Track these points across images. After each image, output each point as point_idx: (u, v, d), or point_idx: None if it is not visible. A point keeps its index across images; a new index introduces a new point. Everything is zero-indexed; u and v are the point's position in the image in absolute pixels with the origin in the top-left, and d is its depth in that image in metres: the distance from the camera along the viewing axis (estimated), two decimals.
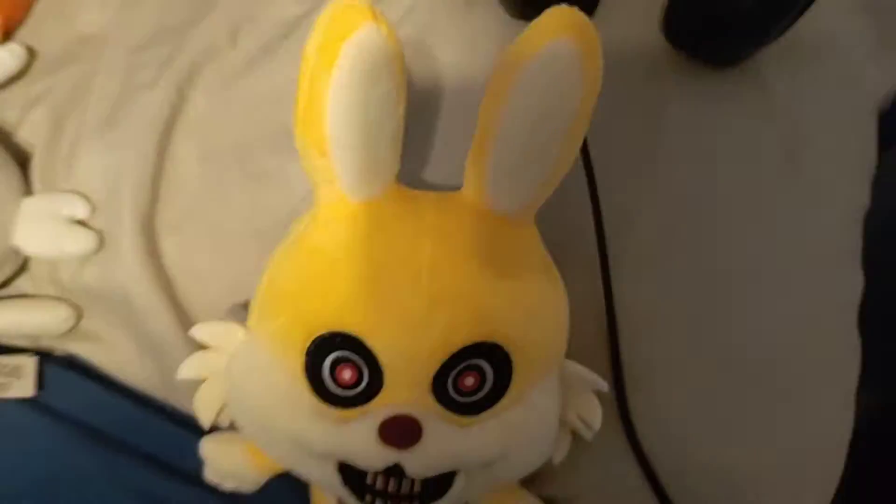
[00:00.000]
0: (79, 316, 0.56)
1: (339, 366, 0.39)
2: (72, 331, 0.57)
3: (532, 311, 0.42)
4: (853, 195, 0.57)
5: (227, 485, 0.51)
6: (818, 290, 0.53)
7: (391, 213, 0.41)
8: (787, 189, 0.54)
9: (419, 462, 0.39)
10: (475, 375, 0.40)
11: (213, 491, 0.52)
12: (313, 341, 0.39)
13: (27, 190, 0.56)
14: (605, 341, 0.49)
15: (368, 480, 0.40)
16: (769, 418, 0.51)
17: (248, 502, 0.52)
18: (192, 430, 0.51)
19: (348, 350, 0.39)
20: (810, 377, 0.52)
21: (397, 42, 0.36)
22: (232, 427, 0.49)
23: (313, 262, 0.41)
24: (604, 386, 0.45)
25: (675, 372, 0.50)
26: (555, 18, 0.37)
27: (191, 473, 0.52)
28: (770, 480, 0.50)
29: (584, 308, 0.49)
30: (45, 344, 0.58)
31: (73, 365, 0.58)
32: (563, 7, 0.37)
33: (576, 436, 0.47)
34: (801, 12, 0.54)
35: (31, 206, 0.54)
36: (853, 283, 0.55)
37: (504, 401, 0.41)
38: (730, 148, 0.54)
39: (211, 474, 0.51)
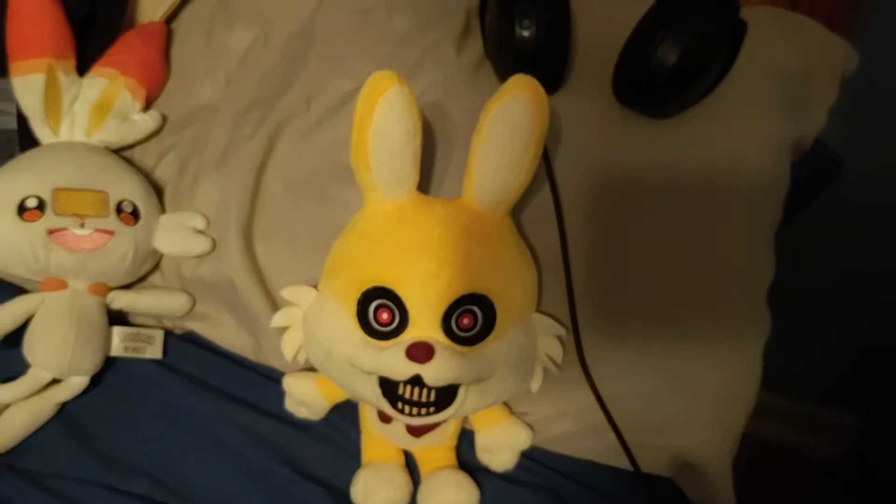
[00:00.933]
0: (194, 302, 0.76)
1: (379, 310, 0.58)
2: (189, 313, 0.77)
3: (508, 273, 0.61)
4: (765, 212, 0.74)
5: (300, 413, 0.70)
6: (731, 277, 0.70)
7: (413, 209, 0.61)
8: (706, 204, 0.71)
9: (433, 374, 0.56)
10: (470, 317, 0.58)
11: (288, 422, 0.71)
12: (362, 293, 0.59)
13: (162, 210, 0.77)
14: (565, 301, 0.68)
15: (399, 391, 0.58)
16: (694, 365, 0.68)
17: (313, 428, 0.71)
18: (274, 381, 0.71)
19: (386, 298, 0.58)
20: (726, 337, 0.69)
21: (414, 97, 0.57)
22: (306, 368, 0.69)
23: (362, 240, 0.62)
24: (563, 332, 0.64)
25: (618, 326, 0.68)
26: (516, 81, 0.58)
27: (273, 411, 0.71)
28: (690, 409, 0.68)
29: (550, 276, 0.68)
30: (168, 323, 0.78)
31: (190, 339, 0.78)
32: (522, 74, 0.58)
33: (546, 373, 0.65)
34: (719, 77, 0.72)
35: (165, 221, 0.75)
36: (763, 274, 0.72)
37: (490, 336, 0.59)
38: (661, 175, 0.71)
39: (289, 404, 0.70)
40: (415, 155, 0.59)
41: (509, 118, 0.58)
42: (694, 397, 0.68)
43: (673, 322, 0.68)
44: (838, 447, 1.28)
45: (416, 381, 0.57)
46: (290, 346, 0.65)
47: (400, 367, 0.57)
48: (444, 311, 0.58)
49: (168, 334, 0.76)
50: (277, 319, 0.65)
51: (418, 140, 0.59)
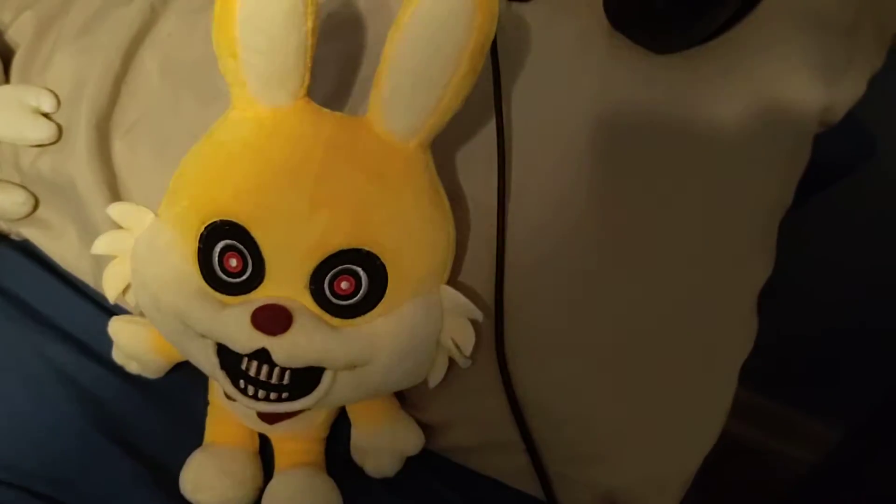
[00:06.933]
0: (35, 203, 0.60)
1: (227, 253, 0.43)
2: (28, 217, 0.61)
3: (413, 228, 0.45)
4: (772, 193, 0.58)
5: (131, 367, 0.55)
6: (716, 269, 0.54)
7: (293, 122, 0.44)
8: (696, 172, 0.54)
9: (285, 350, 0.42)
10: (350, 280, 0.43)
11: (119, 373, 0.55)
12: (206, 227, 0.43)
13: (3, 80, 0.60)
14: (492, 275, 0.51)
15: (243, 366, 0.44)
16: (648, 380, 0.52)
17: (152, 387, 0.56)
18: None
19: (236, 240, 0.42)
20: (696, 349, 0.53)
21: None
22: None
23: (216, 155, 0.45)
24: (479, 315, 0.47)
25: (555, 317, 0.52)
26: None
27: (104, 356, 0.56)
28: (634, 437, 0.52)
29: (479, 241, 0.51)
30: (3, 226, 0.63)
31: (25, 249, 0.62)
32: None
33: (453, 366, 0.49)
34: (741, 12, 0.55)
35: (1, 94, 0.58)
36: (757, 271, 0.56)
37: (376, 309, 0.44)
38: (646, 125, 0.54)
39: (116, 355, 0.55)
40: (304, 43, 0.42)
41: (437, 13, 0.40)
42: (641, 423, 0.52)
43: (629, 320, 0.52)
44: (812, 457, 1.15)
45: (264, 356, 0.42)
46: (113, 284, 0.49)
47: (240, 336, 0.42)
48: (314, 266, 0.42)
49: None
50: (100, 245, 0.48)
51: (309, 24, 0.41)
